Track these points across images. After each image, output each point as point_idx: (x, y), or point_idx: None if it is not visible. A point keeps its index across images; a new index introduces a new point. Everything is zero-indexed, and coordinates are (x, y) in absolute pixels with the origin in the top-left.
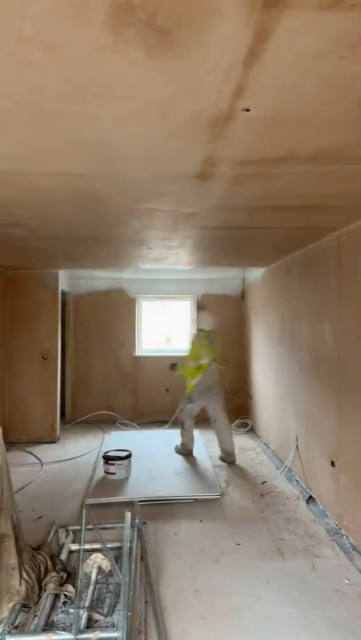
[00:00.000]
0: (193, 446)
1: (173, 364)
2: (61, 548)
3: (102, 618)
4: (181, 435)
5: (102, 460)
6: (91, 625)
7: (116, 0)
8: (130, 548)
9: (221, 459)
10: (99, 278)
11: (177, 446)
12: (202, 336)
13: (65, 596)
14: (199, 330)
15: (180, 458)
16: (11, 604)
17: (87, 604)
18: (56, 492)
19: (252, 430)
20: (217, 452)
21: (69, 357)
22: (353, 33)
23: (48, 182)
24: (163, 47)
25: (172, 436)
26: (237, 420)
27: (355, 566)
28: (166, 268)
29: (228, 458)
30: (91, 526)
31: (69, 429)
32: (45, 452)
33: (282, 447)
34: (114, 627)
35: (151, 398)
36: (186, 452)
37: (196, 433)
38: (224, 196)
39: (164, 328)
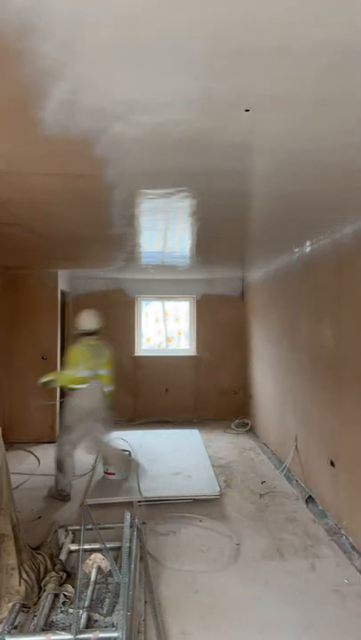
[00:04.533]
0: (70, 489)
1: (45, 382)
2: (61, 548)
3: (102, 618)
4: (57, 479)
5: (102, 461)
6: (90, 625)
7: None
8: (129, 547)
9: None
10: (98, 278)
11: (51, 489)
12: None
13: (64, 596)
14: (83, 334)
15: (179, 458)
16: (10, 604)
17: (86, 604)
18: None
19: (251, 430)
20: (216, 451)
21: None
22: None
23: (48, 182)
24: None
25: (172, 436)
26: (237, 420)
27: (354, 566)
28: (166, 268)
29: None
30: (90, 526)
31: None
32: (45, 452)
33: (281, 447)
34: (113, 627)
35: (150, 398)
36: (62, 497)
37: (196, 432)
38: None
39: (164, 328)
